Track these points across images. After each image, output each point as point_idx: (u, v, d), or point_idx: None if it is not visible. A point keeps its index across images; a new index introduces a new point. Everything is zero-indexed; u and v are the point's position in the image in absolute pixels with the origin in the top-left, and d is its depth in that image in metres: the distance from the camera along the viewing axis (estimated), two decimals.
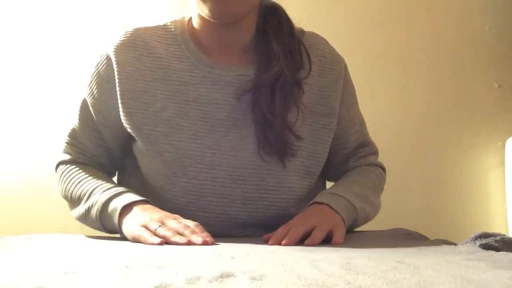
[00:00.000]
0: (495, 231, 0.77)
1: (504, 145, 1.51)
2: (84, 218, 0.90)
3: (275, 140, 0.88)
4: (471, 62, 1.58)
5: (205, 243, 0.72)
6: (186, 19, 0.97)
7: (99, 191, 0.88)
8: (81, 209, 0.90)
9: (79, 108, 0.97)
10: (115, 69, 0.90)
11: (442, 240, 0.79)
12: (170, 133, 0.88)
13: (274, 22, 0.93)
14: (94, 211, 0.86)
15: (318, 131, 0.94)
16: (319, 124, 0.94)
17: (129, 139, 0.93)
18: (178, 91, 0.90)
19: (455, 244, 0.73)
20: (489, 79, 1.57)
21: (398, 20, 1.57)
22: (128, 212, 0.82)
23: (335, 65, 0.97)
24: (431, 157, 1.55)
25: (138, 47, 0.92)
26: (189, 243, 0.72)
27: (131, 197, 0.84)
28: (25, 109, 1.43)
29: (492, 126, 1.56)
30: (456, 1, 1.59)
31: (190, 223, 0.78)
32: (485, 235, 0.74)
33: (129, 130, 0.90)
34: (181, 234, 0.75)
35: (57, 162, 0.98)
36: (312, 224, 0.78)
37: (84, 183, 0.91)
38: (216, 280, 0.38)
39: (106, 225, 0.86)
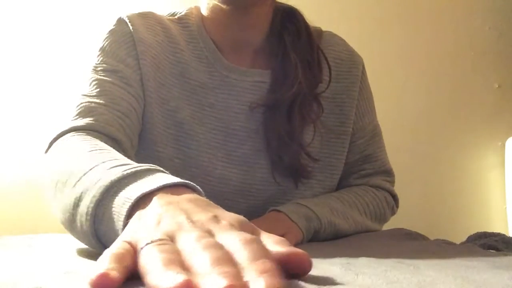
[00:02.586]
0: (495, 231, 0.78)
1: (504, 145, 1.51)
2: (70, 217, 0.51)
3: (290, 163, 0.82)
4: (471, 62, 1.58)
5: None
6: (200, 9, 0.88)
7: (104, 167, 0.50)
8: (64, 199, 0.52)
9: (91, 72, 0.78)
10: (138, 46, 0.79)
11: (442, 240, 0.79)
12: (182, 137, 0.81)
13: (292, 29, 0.86)
14: (84, 205, 0.48)
15: (332, 142, 0.88)
16: (333, 134, 0.87)
17: None
18: (195, 92, 0.82)
19: (455, 244, 0.73)
20: (489, 79, 1.58)
21: (398, 20, 1.57)
22: (140, 209, 0.43)
23: (352, 67, 0.90)
24: (431, 157, 1.55)
25: (158, 32, 0.83)
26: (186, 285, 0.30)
27: (160, 178, 0.46)
28: (25, 108, 1.43)
29: (492, 126, 1.56)
30: (456, 1, 1.59)
31: (236, 238, 0.35)
32: (485, 235, 0.75)
33: (144, 125, 0.79)
34: (185, 267, 0.32)
35: (61, 130, 0.67)
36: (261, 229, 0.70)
37: (87, 155, 0.56)
38: None
39: (104, 237, 0.47)
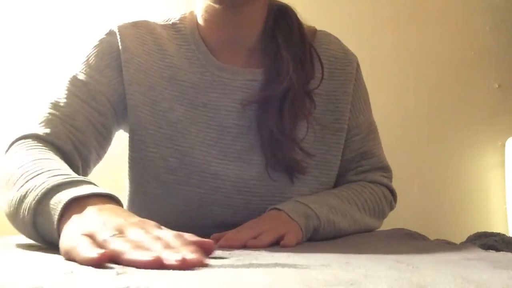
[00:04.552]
0: (495, 231, 0.78)
1: (504, 145, 1.51)
2: (14, 211, 0.62)
3: (284, 159, 0.83)
4: (471, 62, 1.58)
5: (182, 263, 0.43)
6: (195, 13, 0.91)
7: (49, 175, 0.61)
8: (11, 195, 0.62)
9: (67, 80, 0.83)
10: (122, 55, 0.83)
11: (442, 240, 0.79)
12: (176, 137, 0.83)
13: (285, 27, 0.87)
14: (28, 201, 0.59)
15: (327, 138, 0.88)
16: (328, 131, 0.88)
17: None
18: (186, 93, 0.85)
19: (455, 244, 0.73)
20: (489, 79, 1.58)
21: (398, 20, 1.57)
22: (75, 212, 0.55)
23: (346, 66, 0.91)
24: (431, 157, 1.55)
25: (147, 41, 0.87)
26: (157, 262, 0.44)
27: (90, 188, 0.58)
28: (26, 108, 1.43)
29: (492, 126, 1.56)
30: (456, 1, 1.59)
31: (166, 234, 0.51)
32: (485, 235, 0.75)
33: (131, 127, 0.83)
34: (145, 248, 0.47)
35: (23, 134, 0.74)
36: (262, 229, 0.72)
37: (36, 162, 0.65)
38: None
39: (40, 227, 0.59)
